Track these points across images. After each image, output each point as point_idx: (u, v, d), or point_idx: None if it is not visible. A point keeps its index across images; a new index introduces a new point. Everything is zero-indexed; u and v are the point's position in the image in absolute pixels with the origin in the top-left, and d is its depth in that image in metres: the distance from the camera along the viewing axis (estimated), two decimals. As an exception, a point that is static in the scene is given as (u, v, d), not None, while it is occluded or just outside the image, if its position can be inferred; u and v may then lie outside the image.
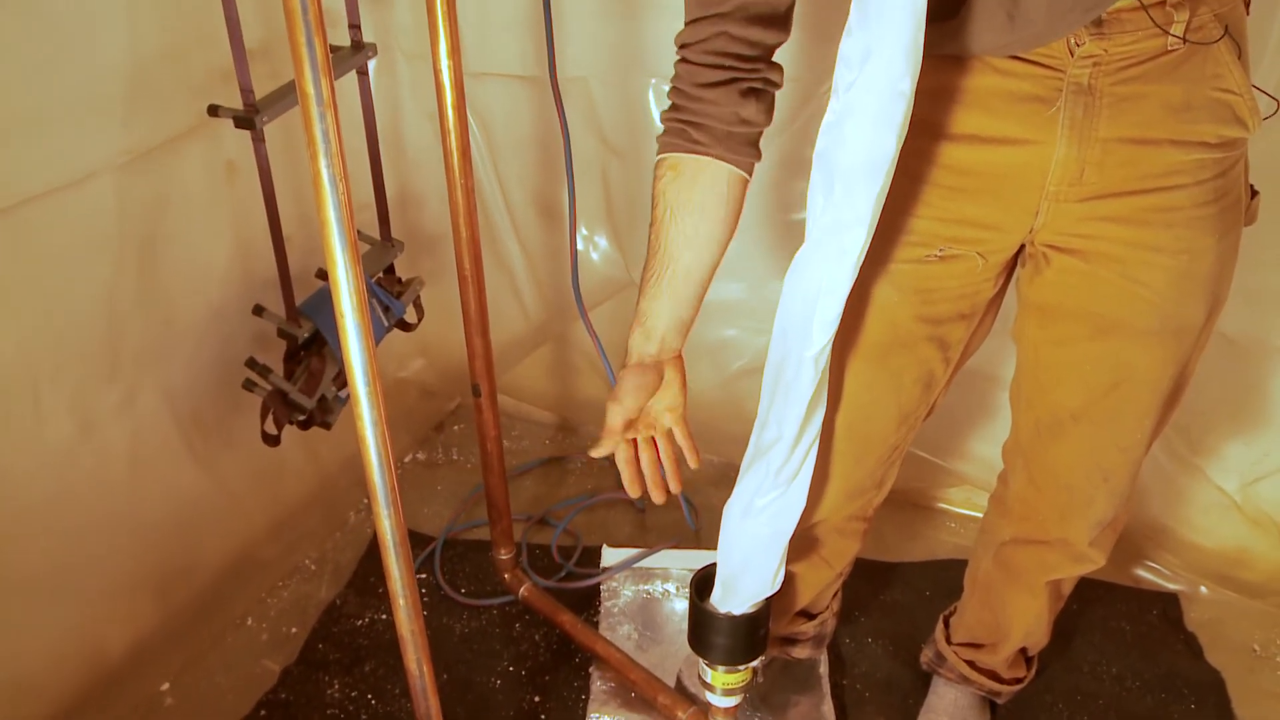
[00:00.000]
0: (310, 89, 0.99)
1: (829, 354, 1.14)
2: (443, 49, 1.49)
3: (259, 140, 1.63)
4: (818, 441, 1.23)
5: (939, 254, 1.24)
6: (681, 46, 1.16)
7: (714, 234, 1.19)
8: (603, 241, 2.20)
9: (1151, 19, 1.06)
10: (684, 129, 1.17)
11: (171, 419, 1.87)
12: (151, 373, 1.80)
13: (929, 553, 2.17)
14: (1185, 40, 1.08)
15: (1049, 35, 1.08)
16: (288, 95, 1.68)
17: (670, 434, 1.31)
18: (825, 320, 1.09)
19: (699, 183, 1.17)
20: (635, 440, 1.30)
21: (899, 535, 2.21)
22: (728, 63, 1.13)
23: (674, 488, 1.31)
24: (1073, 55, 1.09)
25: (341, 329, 1.11)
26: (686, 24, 1.15)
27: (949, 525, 2.24)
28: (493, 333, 1.77)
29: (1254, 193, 1.25)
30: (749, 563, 1.33)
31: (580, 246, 2.18)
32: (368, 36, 1.84)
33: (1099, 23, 1.07)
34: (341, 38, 1.84)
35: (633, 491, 1.30)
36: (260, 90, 1.64)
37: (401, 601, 1.28)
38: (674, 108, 1.19)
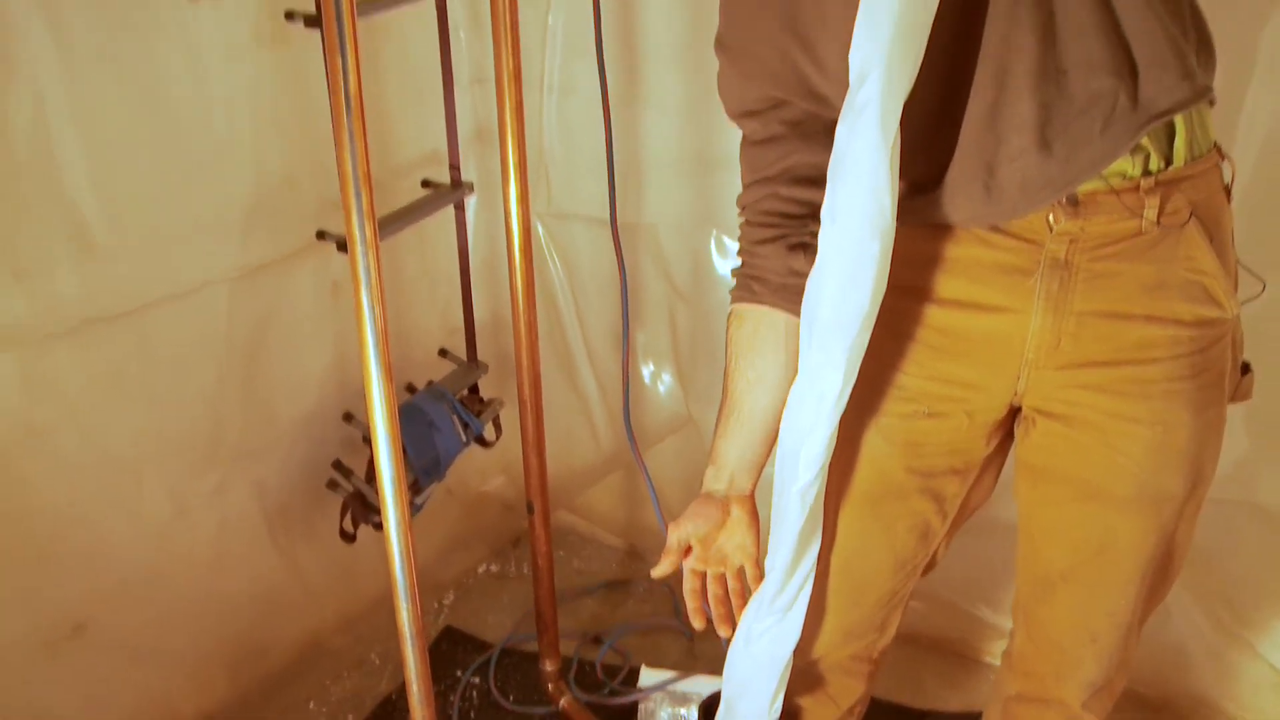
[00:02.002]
0: (356, 232, 1.15)
1: (819, 491, 1.22)
2: (513, 195, 1.67)
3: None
4: (812, 575, 1.30)
5: (926, 411, 1.32)
6: (741, 209, 1.32)
7: (776, 378, 1.31)
8: (668, 378, 2.33)
9: (1123, 204, 1.14)
10: (747, 282, 1.31)
11: (259, 509, 2.05)
12: (246, 466, 1.99)
13: (965, 704, 2.17)
14: (1158, 224, 1.15)
15: (1023, 209, 1.16)
16: (395, 222, 1.87)
17: (740, 572, 1.39)
18: (809, 458, 1.18)
19: (760, 331, 1.31)
20: (705, 574, 1.39)
21: (938, 683, 2.22)
22: (777, 221, 1.27)
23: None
24: (1051, 231, 1.16)
25: (374, 440, 1.26)
26: (744, 187, 1.31)
27: (990, 679, 2.25)
28: (566, 457, 1.90)
29: (1246, 369, 1.29)
30: (747, 687, 1.40)
31: (647, 382, 2.32)
32: (476, 175, 2.05)
33: (1075, 203, 1.15)
34: (442, 177, 2.05)
35: (695, 622, 1.38)
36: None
37: (414, 688, 1.40)
38: (740, 264, 1.34)
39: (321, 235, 1.88)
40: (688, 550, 1.36)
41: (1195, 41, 1.14)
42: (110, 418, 1.72)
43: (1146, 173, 1.14)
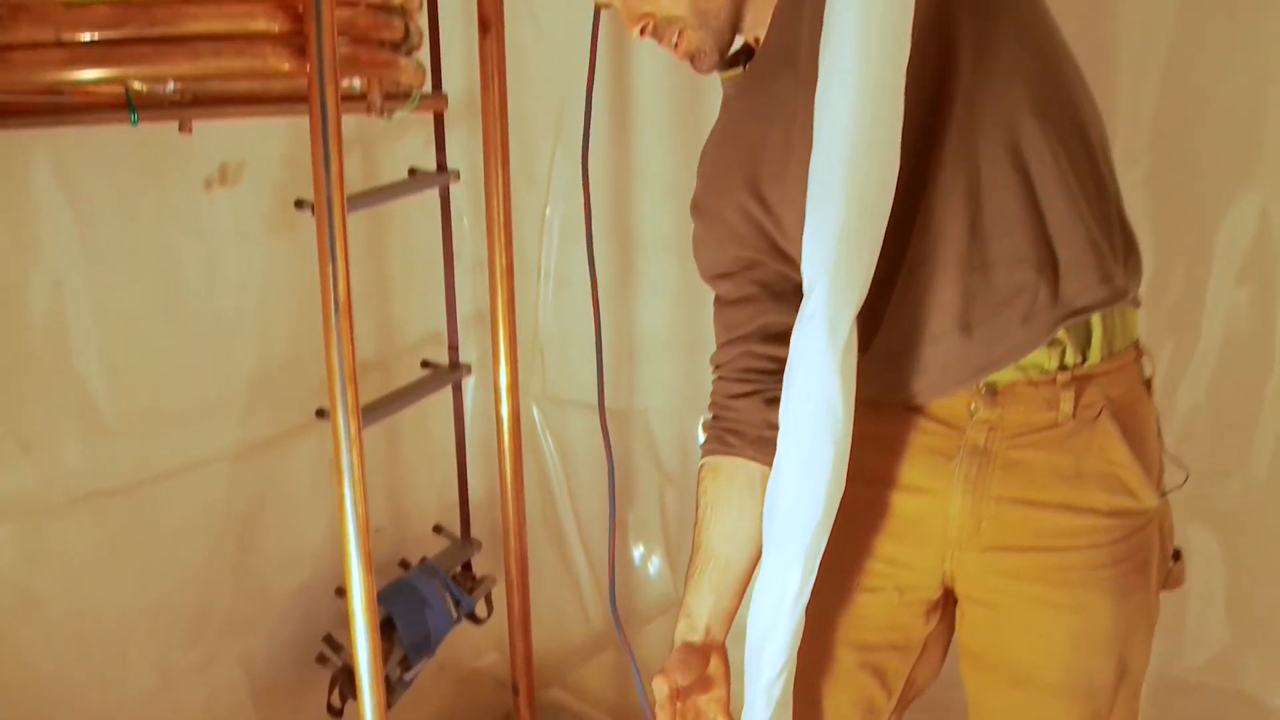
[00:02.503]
0: (341, 428, 1.20)
1: (785, 684, 1.22)
2: (503, 386, 1.73)
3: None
4: None
5: (859, 585, 1.33)
6: (716, 367, 1.36)
7: (751, 530, 1.29)
8: (657, 560, 2.35)
9: (1040, 396, 1.18)
10: (722, 435, 1.33)
11: (247, 682, 2.04)
12: (235, 638, 1.99)
13: None
14: (1074, 417, 1.19)
15: (943, 389, 1.20)
16: (389, 404, 1.93)
17: None
18: (773, 653, 1.19)
19: (735, 483, 1.30)
20: None
21: None
22: (753, 377, 1.30)
23: None
24: (971, 418, 1.21)
25: (352, 627, 1.28)
26: (718, 347, 1.35)
27: None
28: (557, 635, 1.91)
29: (1177, 556, 1.31)
30: None
31: (637, 563, 2.33)
32: (475, 355, 2.11)
33: (994, 393, 1.19)
34: (442, 357, 2.12)
35: None
36: (367, 399, 1.89)
37: None
38: (713, 418, 1.36)
39: (322, 413, 1.93)
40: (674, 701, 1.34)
41: (1121, 247, 1.20)
42: (102, 588, 1.75)
43: (1063, 367, 1.18)
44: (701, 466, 1.35)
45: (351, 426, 1.22)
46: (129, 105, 1.23)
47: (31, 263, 1.62)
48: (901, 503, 1.28)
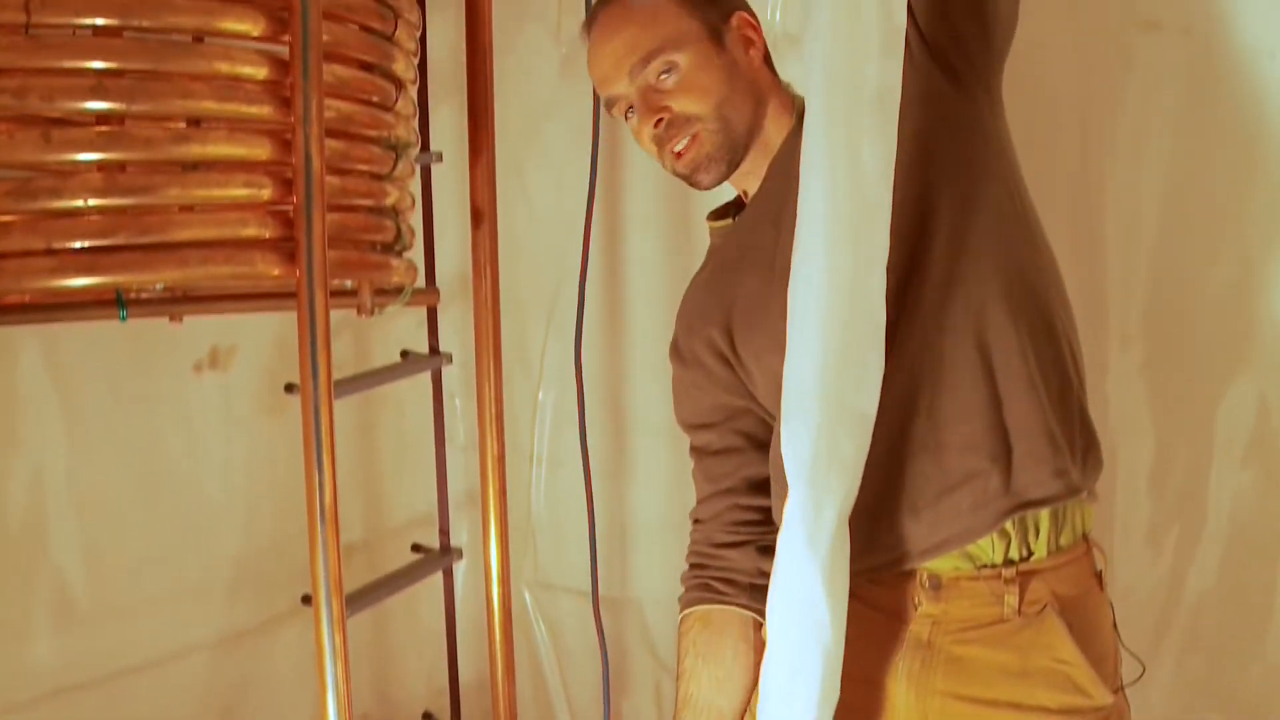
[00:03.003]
0: (324, 616, 1.16)
1: None
2: (494, 573, 1.68)
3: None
4: None
5: None
6: (699, 520, 1.33)
7: (744, 680, 1.28)
8: (653, 750, 2.26)
9: (985, 589, 1.15)
10: (709, 583, 1.30)
11: None
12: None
13: None
14: (1019, 612, 1.15)
15: (887, 566, 1.16)
16: (377, 590, 1.87)
17: None
18: None
19: (730, 632, 1.28)
20: None
21: None
22: (743, 529, 1.29)
23: None
24: (915, 611, 1.17)
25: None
26: (699, 501, 1.33)
27: None
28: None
29: None
30: None
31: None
32: (467, 536, 2.07)
33: (938, 586, 1.16)
34: (432, 540, 2.07)
35: None
36: (354, 581, 1.84)
37: None
38: (695, 568, 1.32)
39: (307, 600, 1.87)
40: None
41: (1080, 442, 1.18)
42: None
43: (1008, 561, 1.15)
44: (686, 617, 1.31)
45: (336, 613, 1.18)
46: (119, 303, 1.22)
47: (13, 452, 1.60)
48: (854, 692, 1.20)
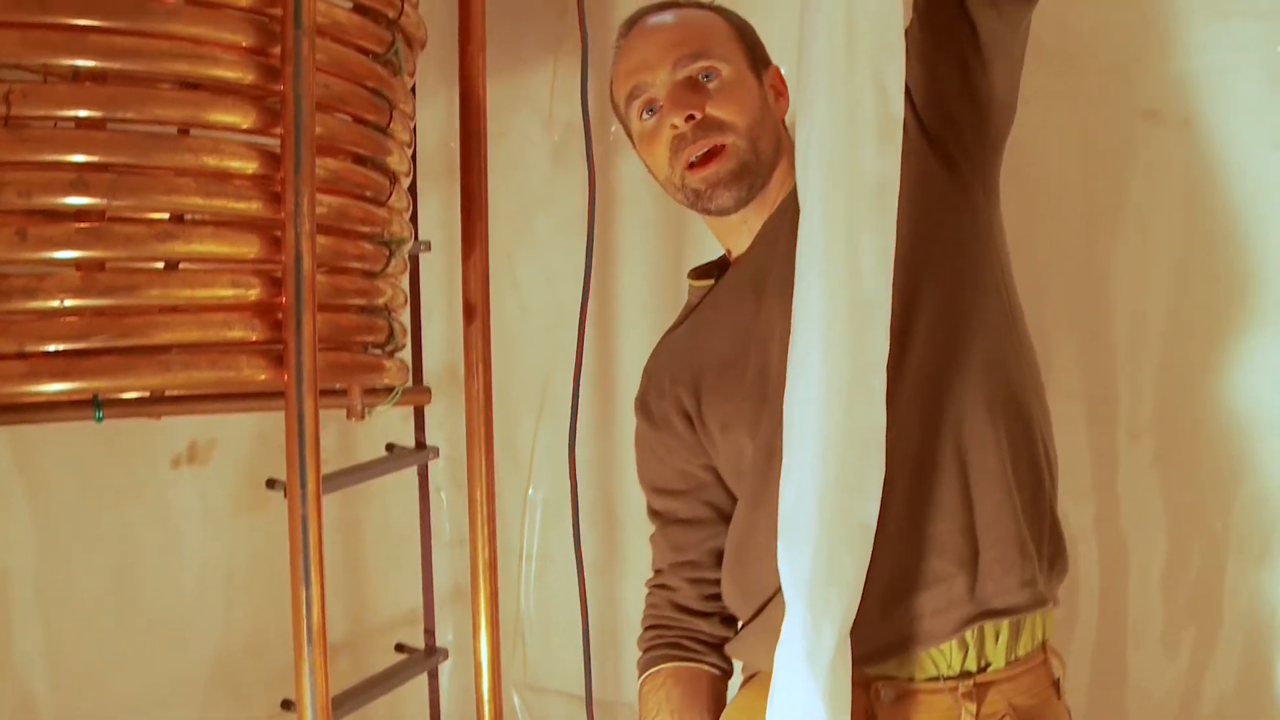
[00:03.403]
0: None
1: None
2: (485, 674, 1.60)
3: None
4: None
5: None
6: (663, 587, 1.32)
7: None
8: None
9: (944, 700, 1.11)
10: (678, 642, 1.29)
11: None
12: None
13: None
14: None
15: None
16: (360, 694, 1.79)
17: None
18: None
19: (702, 689, 1.26)
20: None
21: None
22: (709, 603, 1.28)
23: None
24: None
25: None
26: (661, 568, 1.33)
27: None
28: None
29: None
30: None
31: None
32: (453, 633, 2.00)
33: (894, 697, 1.12)
34: (416, 639, 1.99)
35: None
36: (337, 684, 1.76)
37: None
38: (659, 629, 1.31)
39: (288, 705, 1.79)
40: None
41: (1049, 549, 1.16)
42: None
43: (964, 673, 1.12)
44: (656, 674, 1.29)
45: (320, 718, 1.10)
46: (95, 404, 1.16)
47: (-24, 551, 1.53)
48: None
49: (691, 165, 1.18)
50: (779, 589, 1.15)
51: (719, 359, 1.25)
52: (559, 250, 1.90)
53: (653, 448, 1.34)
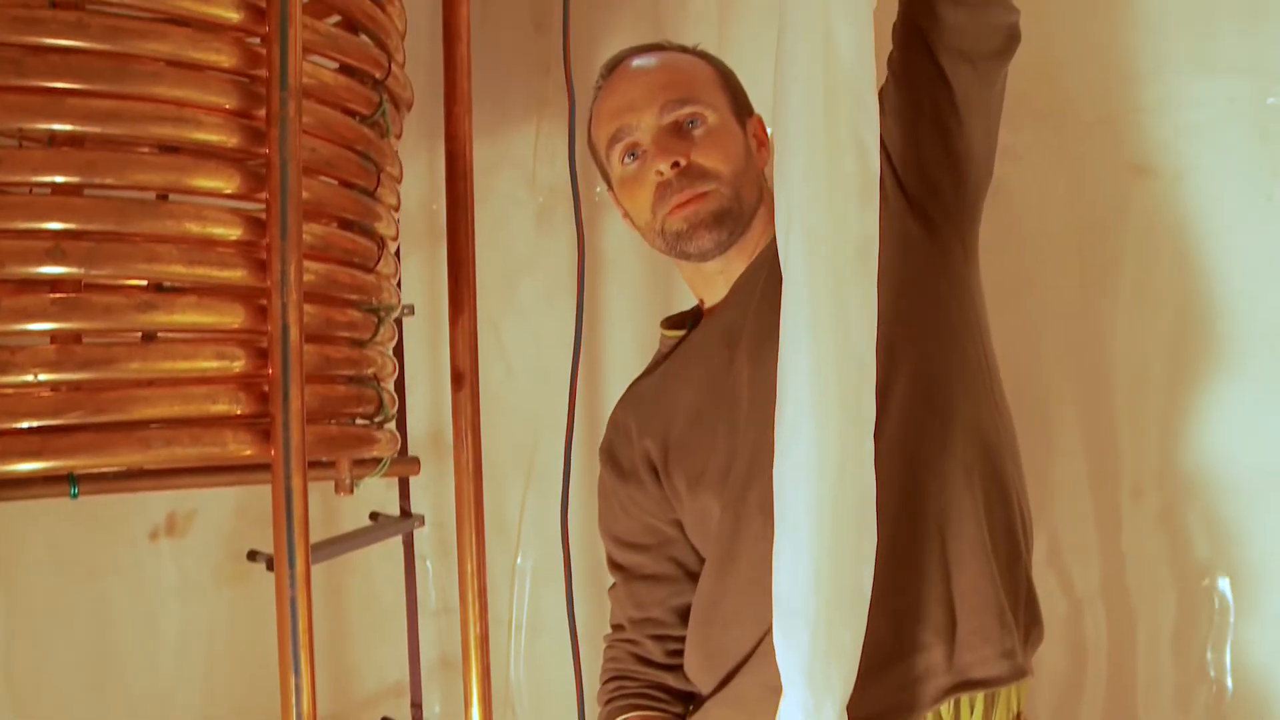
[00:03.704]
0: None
1: None
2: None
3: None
4: None
5: None
6: (627, 641, 1.29)
7: None
8: None
9: None
10: (644, 692, 1.26)
11: None
12: None
13: None
14: None
15: None
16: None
17: None
18: None
19: None
20: None
21: None
22: (673, 656, 1.26)
23: None
24: None
25: None
26: (615, 626, 1.31)
27: None
28: None
29: None
30: None
31: None
32: (440, 704, 1.94)
33: None
34: (403, 712, 1.93)
35: None
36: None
37: None
38: (619, 681, 1.28)
39: (265, 789, 1.73)
40: None
41: (1026, 618, 1.14)
42: None
43: None
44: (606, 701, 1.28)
45: None
46: (70, 480, 1.12)
47: (-53, 635, 1.47)
48: None
49: (679, 205, 1.18)
50: (746, 657, 1.15)
51: (688, 413, 1.23)
52: (545, 314, 1.88)
53: (619, 499, 1.32)
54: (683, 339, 1.30)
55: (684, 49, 1.31)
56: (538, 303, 1.92)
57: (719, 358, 1.21)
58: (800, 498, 0.96)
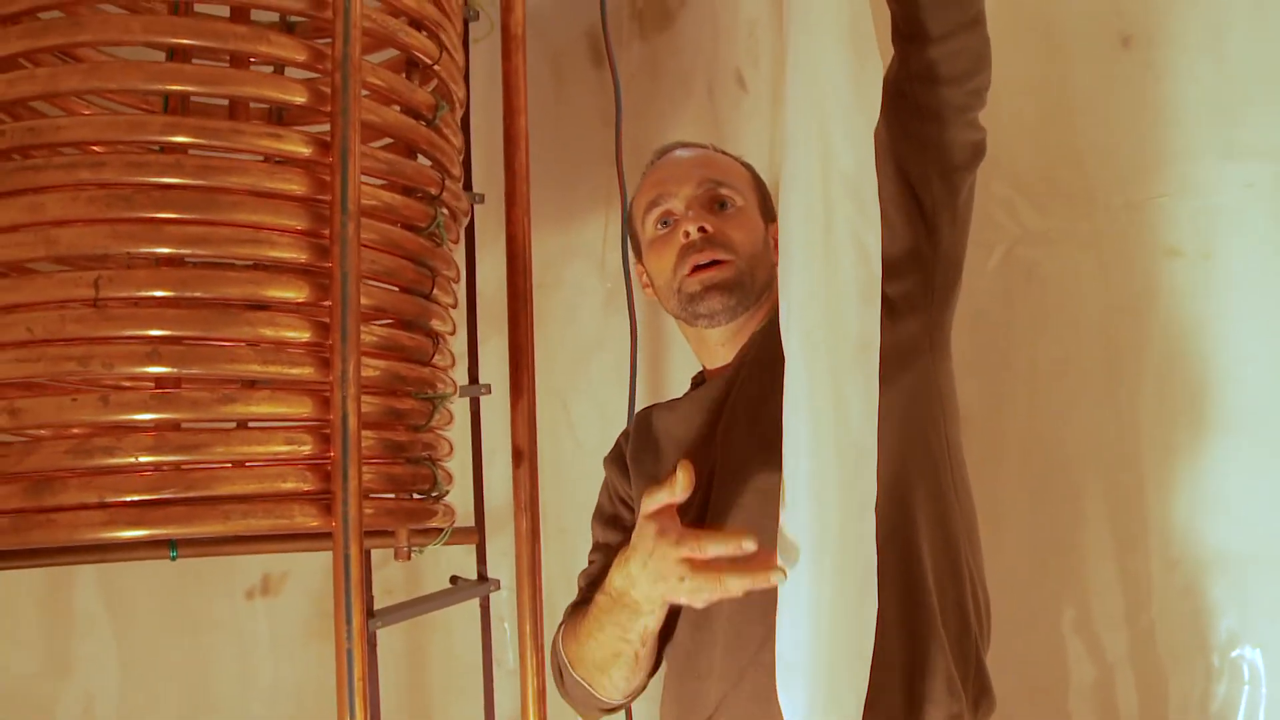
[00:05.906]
0: None
1: None
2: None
3: None
4: None
5: None
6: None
7: None
8: None
9: None
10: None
11: None
12: None
13: None
14: None
15: None
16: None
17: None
18: None
19: None
20: None
21: None
22: None
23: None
24: None
25: None
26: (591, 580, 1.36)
27: None
28: None
29: None
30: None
31: None
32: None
33: None
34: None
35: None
36: None
37: None
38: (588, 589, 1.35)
39: None
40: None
41: (974, 690, 1.19)
42: None
43: None
44: (586, 600, 1.33)
45: None
46: (170, 545, 1.29)
47: (66, 676, 1.63)
48: None
49: (698, 268, 1.31)
50: (717, 707, 1.20)
51: (681, 449, 1.34)
52: (611, 390, 1.99)
53: (616, 507, 1.44)
54: (682, 399, 1.42)
55: (725, 153, 1.45)
56: (605, 380, 2.03)
57: (706, 428, 1.32)
58: (802, 576, 1.02)
